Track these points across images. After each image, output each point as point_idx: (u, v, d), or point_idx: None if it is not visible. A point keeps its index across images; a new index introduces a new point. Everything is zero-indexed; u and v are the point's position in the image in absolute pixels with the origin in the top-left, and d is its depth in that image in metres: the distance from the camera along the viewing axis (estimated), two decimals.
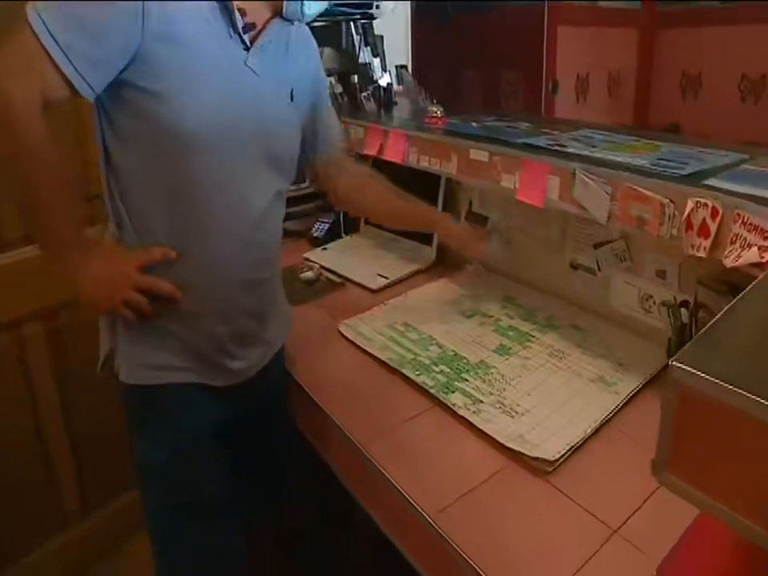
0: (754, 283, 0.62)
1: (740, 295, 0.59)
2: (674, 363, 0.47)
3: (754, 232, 0.91)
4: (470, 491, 0.97)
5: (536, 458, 1.01)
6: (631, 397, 1.18)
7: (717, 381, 0.45)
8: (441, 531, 0.89)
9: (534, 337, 1.40)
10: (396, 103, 2.01)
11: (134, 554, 1.78)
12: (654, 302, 1.37)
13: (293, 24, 1.11)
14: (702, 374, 0.46)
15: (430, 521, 0.91)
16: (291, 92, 1.13)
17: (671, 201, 1.00)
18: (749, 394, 0.44)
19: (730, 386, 0.44)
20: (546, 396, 1.19)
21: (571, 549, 0.87)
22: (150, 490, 1.16)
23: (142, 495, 1.18)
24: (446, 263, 1.81)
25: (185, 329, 1.07)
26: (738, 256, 0.93)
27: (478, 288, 1.65)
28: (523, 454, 1.02)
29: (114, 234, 1.06)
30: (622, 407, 1.15)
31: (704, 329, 0.52)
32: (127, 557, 1.87)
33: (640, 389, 1.20)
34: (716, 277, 1.18)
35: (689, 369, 0.47)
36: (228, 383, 1.13)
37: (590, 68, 3.17)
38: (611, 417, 1.13)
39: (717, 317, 0.54)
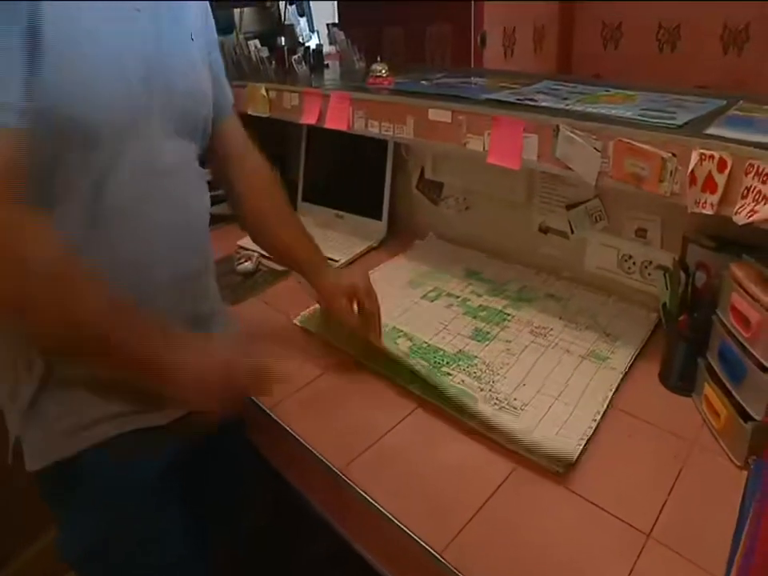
0: None
1: None
2: None
3: None
4: (478, 510, 0.83)
5: (553, 457, 0.88)
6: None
7: None
8: (452, 568, 0.75)
9: (509, 314, 1.27)
10: (327, 66, 1.81)
11: None
12: (635, 263, 1.27)
13: None
14: None
15: (439, 556, 0.76)
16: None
17: (673, 154, 0.87)
18: None
19: None
20: (541, 383, 1.06)
21: (607, 566, 0.75)
22: None
23: None
24: (398, 236, 1.65)
25: None
26: (753, 211, 0.82)
27: (437, 262, 1.50)
28: (546, 454, 0.89)
29: None
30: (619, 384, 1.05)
31: None
32: None
33: (634, 360, 1.11)
34: (704, 231, 1.09)
35: None
36: (172, 417, 0.91)
37: (516, 21, 3.14)
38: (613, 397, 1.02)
39: None
